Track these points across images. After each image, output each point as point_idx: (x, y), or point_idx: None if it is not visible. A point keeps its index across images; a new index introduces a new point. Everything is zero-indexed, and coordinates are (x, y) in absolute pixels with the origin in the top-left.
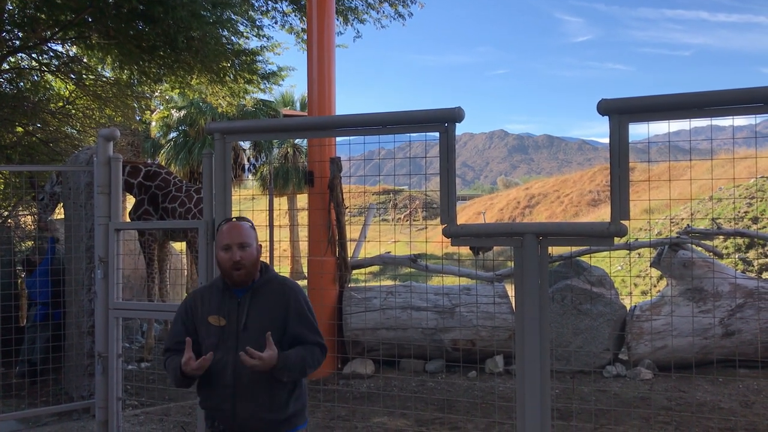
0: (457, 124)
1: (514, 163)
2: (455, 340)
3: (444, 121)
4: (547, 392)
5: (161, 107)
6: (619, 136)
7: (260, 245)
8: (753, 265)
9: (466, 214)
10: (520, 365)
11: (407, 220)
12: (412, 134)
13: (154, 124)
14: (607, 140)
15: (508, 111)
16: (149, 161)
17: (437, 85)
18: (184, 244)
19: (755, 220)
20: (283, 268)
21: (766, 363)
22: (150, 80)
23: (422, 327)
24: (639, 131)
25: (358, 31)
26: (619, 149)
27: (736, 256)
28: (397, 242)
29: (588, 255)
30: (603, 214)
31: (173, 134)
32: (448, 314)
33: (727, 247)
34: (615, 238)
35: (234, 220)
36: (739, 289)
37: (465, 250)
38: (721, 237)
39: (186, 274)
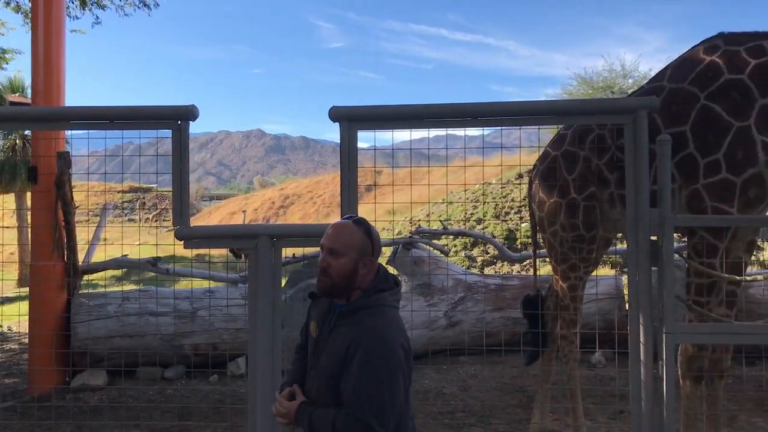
0: (192, 122)
1: (271, 163)
2: (196, 344)
3: (177, 118)
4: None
5: None
6: (348, 142)
7: (369, 260)
8: (476, 262)
9: (220, 214)
10: (252, 366)
11: (156, 221)
12: (159, 130)
13: None
14: (360, 144)
15: (265, 111)
16: None
17: (188, 80)
18: None
19: (479, 221)
20: (8, 275)
21: (482, 350)
22: None
23: (161, 333)
24: (387, 137)
25: (97, 17)
26: (349, 154)
27: (463, 254)
28: (143, 244)
29: None
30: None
31: None
32: (189, 318)
33: (456, 246)
34: None
35: (347, 219)
36: (461, 284)
37: (219, 252)
38: (450, 236)
39: None
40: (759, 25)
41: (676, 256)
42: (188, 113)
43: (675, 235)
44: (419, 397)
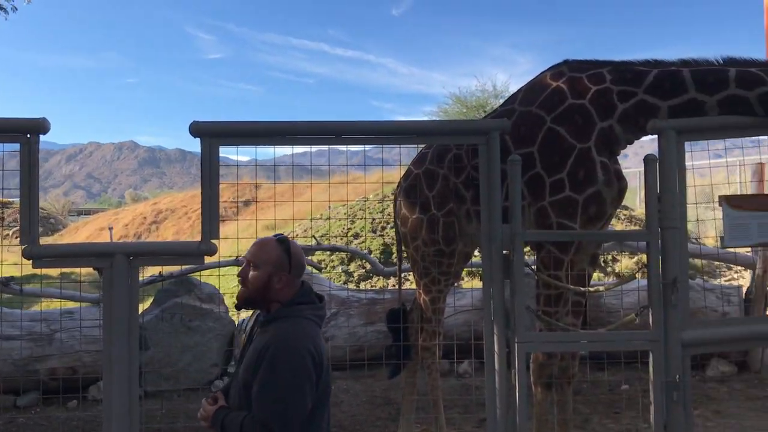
0: (41, 135)
1: (145, 176)
2: (53, 368)
3: (26, 131)
4: (136, 417)
5: None
6: (209, 158)
7: (285, 276)
8: (353, 277)
9: (88, 230)
10: (107, 389)
11: (17, 237)
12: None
13: None
14: (241, 158)
15: (139, 122)
16: None
17: (55, 89)
18: None
19: (356, 236)
20: None
21: (353, 364)
22: None
23: (12, 358)
24: (269, 150)
25: None
26: (210, 170)
27: (339, 268)
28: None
29: (204, 272)
30: (227, 230)
31: None
32: (46, 341)
33: (333, 261)
34: (206, 256)
35: (273, 237)
36: (333, 299)
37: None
38: (328, 252)
39: None
40: (616, 51)
41: (527, 268)
42: (38, 126)
43: (526, 249)
44: None
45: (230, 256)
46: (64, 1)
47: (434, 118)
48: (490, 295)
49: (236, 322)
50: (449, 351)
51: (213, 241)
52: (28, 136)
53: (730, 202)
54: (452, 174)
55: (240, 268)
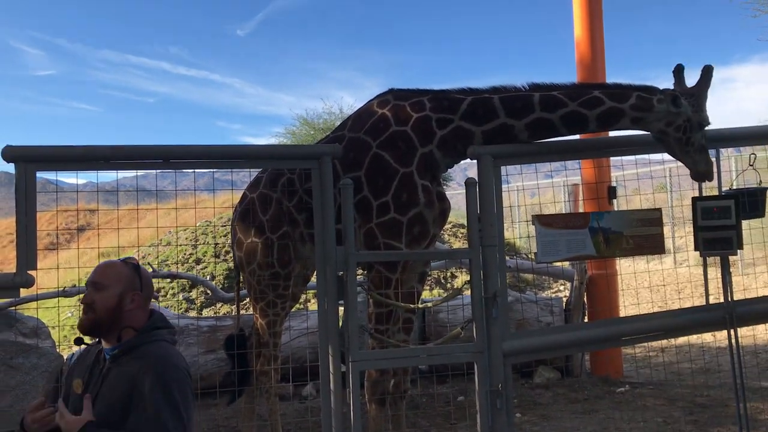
0: None
1: None
2: None
3: None
4: None
5: None
6: (26, 185)
7: (137, 295)
8: (195, 303)
9: None
10: None
11: None
12: None
13: None
14: (79, 181)
15: None
16: None
17: None
18: None
19: (198, 261)
20: None
21: (197, 394)
22: None
23: None
24: (110, 175)
25: None
26: (26, 197)
27: (181, 296)
28: None
29: (32, 304)
30: (61, 258)
31: None
32: None
33: (174, 288)
34: (22, 288)
35: (117, 260)
36: None
37: None
38: (166, 279)
39: None
40: (453, 75)
41: (359, 288)
42: None
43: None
44: None
45: (56, 288)
46: None
47: (283, 140)
48: (325, 315)
49: (65, 357)
50: (293, 374)
51: (30, 272)
52: None
53: (541, 221)
54: (285, 198)
55: (82, 296)
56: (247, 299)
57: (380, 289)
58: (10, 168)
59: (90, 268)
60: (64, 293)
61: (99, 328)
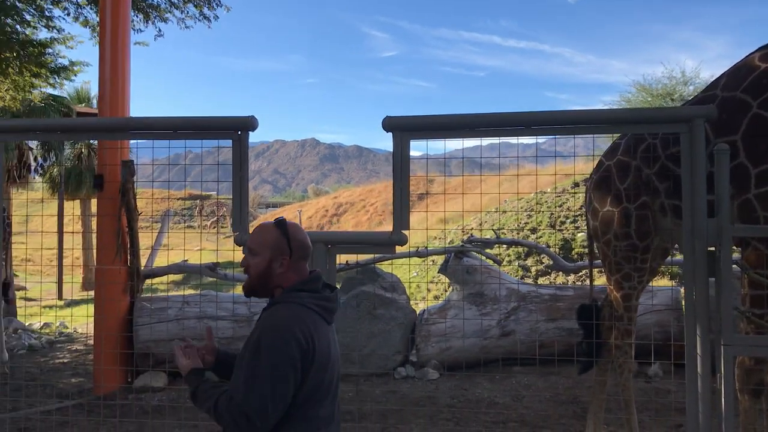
0: (250, 132)
1: (326, 171)
2: None
3: (237, 128)
4: None
5: None
6: (401, 151)
7: (285, 259)
8: (530, 272)
9: None
10: None
11: (214, 227)
12: (220, 140)
13: None
14: (413, 153)
15: (319, 120)
16: None
17: (246, 91)
18: None
19: (534, 230)
20: (75, 277)
21: (535, 360)
22: None
23: (218, 337)
24: (438, 145)
25: (159, 30)
26: (401, 163)
27: (517, 263)
28: (203, 250)
29: (389, 261)
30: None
31: None
32: (246, 323)
33: (509, 255)
34: (396, 246)
35: (270, 221)
36: (514, 294)
37: None
38: (504, 245)
39: None
40: None
41: (735, 266)
42: (248, 124)
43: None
44: (471, 405)
45: (411, 247)
46: (250, 9)
47: (615, 107)
48: (693, 294)
49: (417, 312)
50: (637, 351)
51: (404, 231)
52: (239, 132)
53: None
54: (646, 165)
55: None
56: (585, 270)
57: (758, 268)
58: (360, 142)
59: (432, 230)
60: (417, 254)
61: (254, 289)
